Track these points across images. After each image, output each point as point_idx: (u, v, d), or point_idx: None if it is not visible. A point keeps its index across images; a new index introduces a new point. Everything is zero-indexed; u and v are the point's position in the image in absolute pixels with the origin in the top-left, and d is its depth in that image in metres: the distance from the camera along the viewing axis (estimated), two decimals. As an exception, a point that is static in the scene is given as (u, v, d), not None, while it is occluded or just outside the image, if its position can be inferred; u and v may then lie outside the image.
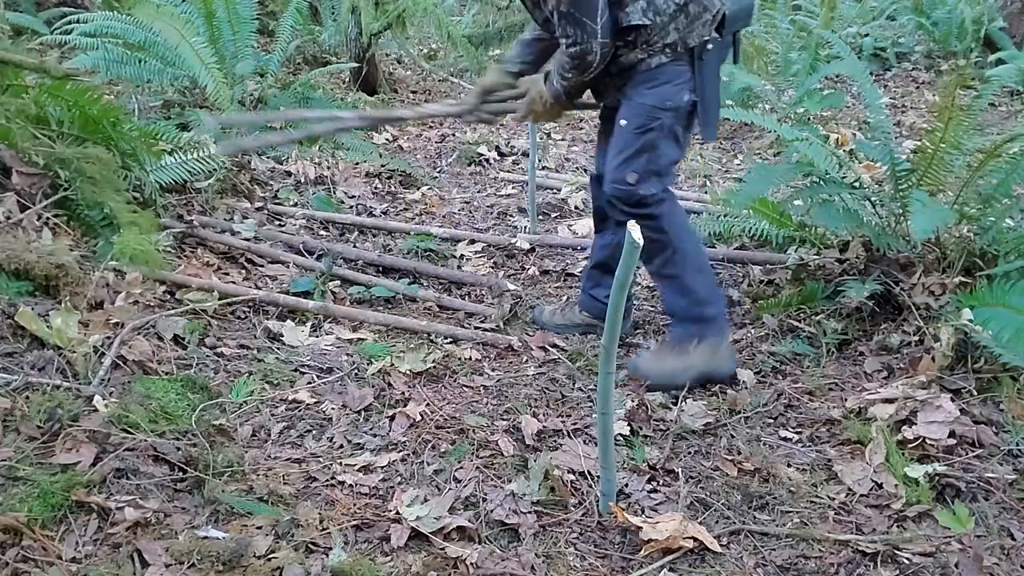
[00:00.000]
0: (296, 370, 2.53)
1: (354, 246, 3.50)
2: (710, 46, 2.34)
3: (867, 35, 7.62)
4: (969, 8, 7.16)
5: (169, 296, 2.73)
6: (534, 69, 2.64)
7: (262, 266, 3.17)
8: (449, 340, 2.74)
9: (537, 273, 3.38)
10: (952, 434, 2.08)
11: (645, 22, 2.28)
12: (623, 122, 2.41)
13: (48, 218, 2.68)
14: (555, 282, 3.31)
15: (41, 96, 2.86)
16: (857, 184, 2.83)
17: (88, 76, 3.06)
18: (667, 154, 2.42)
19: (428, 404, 2.32)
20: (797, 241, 3.17)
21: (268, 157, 4.21)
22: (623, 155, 2.39)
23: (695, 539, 1.78)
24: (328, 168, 4.25)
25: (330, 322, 2.83)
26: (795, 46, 6.44)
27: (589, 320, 2.81)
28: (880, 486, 1.98)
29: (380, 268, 3.28)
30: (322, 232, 3.67)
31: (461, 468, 2.05)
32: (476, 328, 2.86)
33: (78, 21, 4.43)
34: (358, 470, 2.05)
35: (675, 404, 2.38)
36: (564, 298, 3.05)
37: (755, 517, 1.91)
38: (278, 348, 2.63)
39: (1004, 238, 2.58)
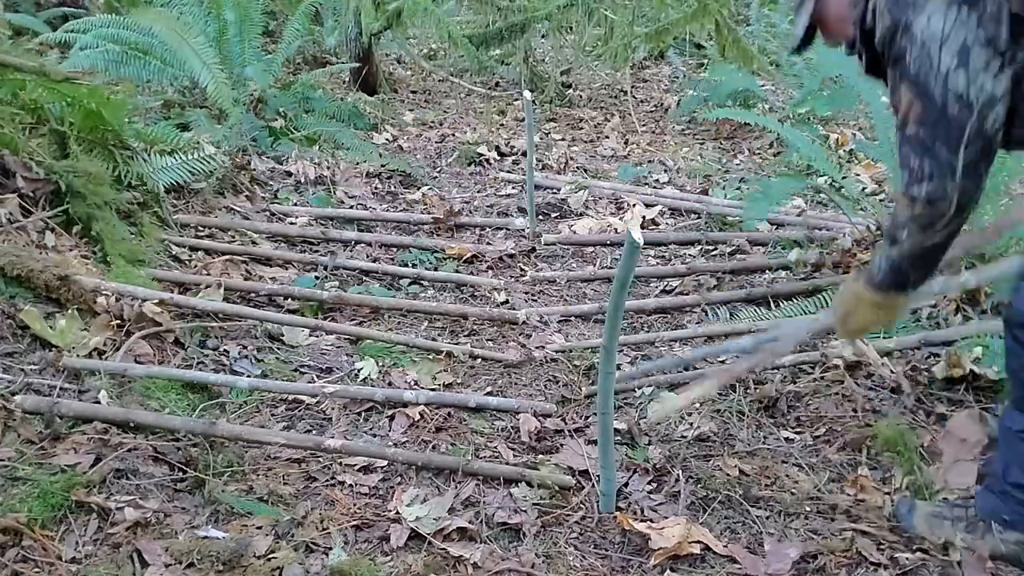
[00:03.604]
0: (296, 370, 2.54)
1: (354, 245, 3.50)
2: None
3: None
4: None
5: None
6: None
7: (267, 266, 3.18)
8: (450, 336, 2.74)
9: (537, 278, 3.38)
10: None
11: None
12: None
13: (47, 220, 2.68)
14: (556, 287, 3.31)
15: (36, 91, 2.87)
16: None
17: (88, 77, 3.06)
18: None
19: (428, 404, 2.32)
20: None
21: (268, 157, 4.21)
22: None
23: (700, 542, 1.78)
24: (328, 168, 4.25)
25: (330, 322, 2.83)
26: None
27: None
28: (882, 485, 1.98)
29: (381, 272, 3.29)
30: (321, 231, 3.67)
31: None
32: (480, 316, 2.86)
33: (78, 19, 4.43)
34: (358, 470, 2.05)
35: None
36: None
37: (756, 517, 1.91)
38: (278, 348, 2.63)
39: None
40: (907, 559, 1.73)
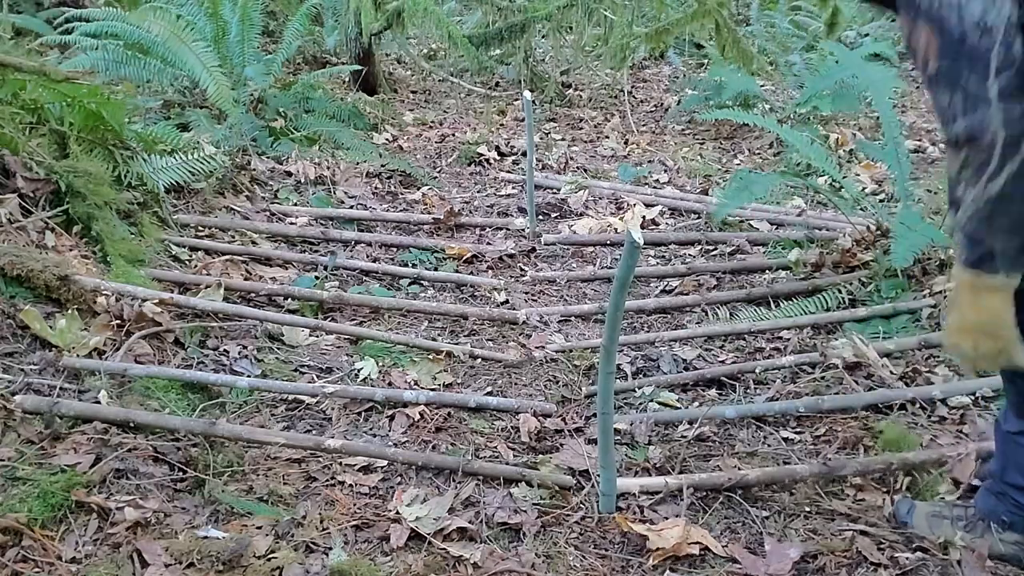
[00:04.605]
0: (296, 370, 2.54)
1: (354, 245, 3.50)
2: None
3: (867, 35, 7.62)
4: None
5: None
6: None
7: (267, 266, 3.18)
8: (451, 334, 2.74)
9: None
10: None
11: None
12: None
13: (47, 220, 2.68)
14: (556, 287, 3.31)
15: (37, 91, 2.87)
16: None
17: (88, 77, 3.06)
18: None
19: (428, 404, 2.32)
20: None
21: (268, 157, 4.21)
22: None
23: (699, 543, 1.78)
24: (328, 168, 4.25)
25: (329, 322, 2.83)
26: (796, 47, 6.45)
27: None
28: (881, 484, 1.98)
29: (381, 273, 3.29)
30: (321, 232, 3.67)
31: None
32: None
33: (79, 20, 4.43)
34: (358, 470, 2.05)
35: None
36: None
37: (756, 517, 1.91)
38: (278, 348, 2.63)
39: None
40: (907, 559, 1.73)
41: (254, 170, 3.98)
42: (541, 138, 5.33)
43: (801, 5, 8.29)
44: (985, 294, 1.40)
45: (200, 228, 3.33)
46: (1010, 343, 1.42)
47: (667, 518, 1.87)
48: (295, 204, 3.87)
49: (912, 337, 2.55)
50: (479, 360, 2.64)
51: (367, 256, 3.43)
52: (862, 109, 5.12)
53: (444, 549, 1.76)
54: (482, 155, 4.93)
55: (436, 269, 3.37)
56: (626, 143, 5.36)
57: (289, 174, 4.13)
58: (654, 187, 4.40)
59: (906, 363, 2.47)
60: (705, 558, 1.77)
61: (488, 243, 3.67)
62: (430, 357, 2.63)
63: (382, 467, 2.06)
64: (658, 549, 1.75)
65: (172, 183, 3.35)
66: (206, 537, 1.73)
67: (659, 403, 2.41)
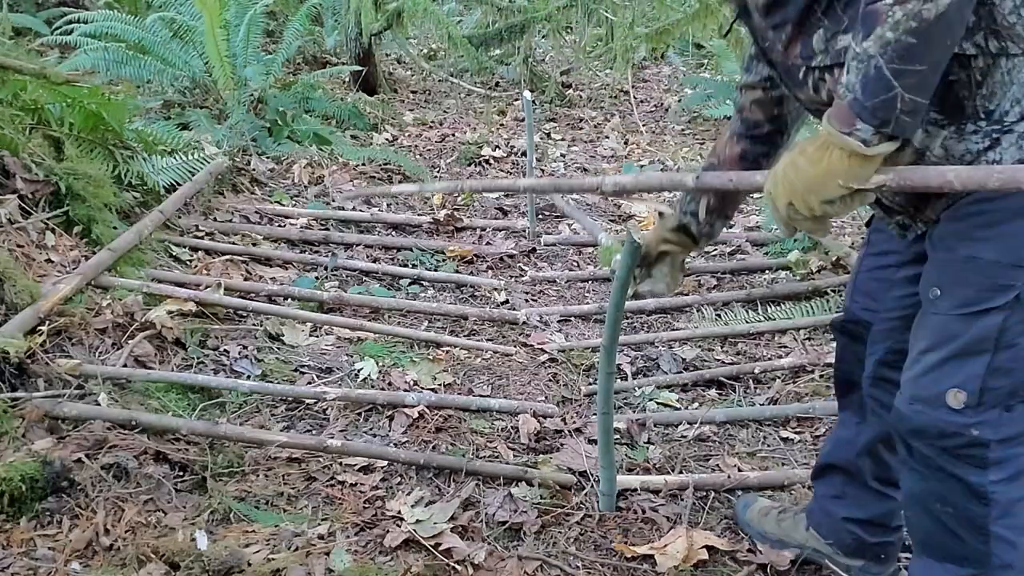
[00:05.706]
0: (296, 370, 2.54)
1: (354, 246, 3.50)
2: None
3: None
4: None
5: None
6: (718, 217, 1.56)
7: (267, 265, 3.18)
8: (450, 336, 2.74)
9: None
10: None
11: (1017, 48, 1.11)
12: (935, 291, 1.28)
13: (46, 221, 2.68)
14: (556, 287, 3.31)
15: (37, 92, 2.87)
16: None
17: (88, 77, 3.07)
18: None
19: (428, 405, 2.32)
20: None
21: (268, 157, 4.21)
22: (937, 355, 1.28)
23: (707, 546, 1.77)
24: (327, 168, 4.25)
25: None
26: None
27: (817, 543, 1.72)
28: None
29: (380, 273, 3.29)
30: (321, 232, 3.67)
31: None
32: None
33: (78, 21, 4.44)
34: (358, 470, 2.05)
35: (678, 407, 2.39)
36: (789, 500, 1.98)
37: (755, 517, 1.91)
38: (278, 348, 2.63)
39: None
40: (908, 558, 1.73)
41: (254, 170, 3.98)
42: (541, 138, 5.33)
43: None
44: (835, 151, 1.10)
45: (200, 228, 3.33)
46: (826, 216, 1.16)
47: (668, 518, 1.88)
48: (294, 205, 3.87)
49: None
50: (479, 360, 2.64)
51: (367, 256, 3.43)
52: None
53: (445, 549, 1.76)
54: (482, 155, 4.93)
55: (436, 269, 3.37)
56: (626, 143, 5.37)
57: (289, 174, 4.13)
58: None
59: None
60: (709, 557, 1.76)
61: (488, 243, 3.67)
62: (430, 357, 2.63)
63: (382, 467, 2.06)
64: (668, 570, 1.73)
65: (172, 183, 3.35)
66: (206, 538, 1.73)
67: (659, 403, 2.41)
